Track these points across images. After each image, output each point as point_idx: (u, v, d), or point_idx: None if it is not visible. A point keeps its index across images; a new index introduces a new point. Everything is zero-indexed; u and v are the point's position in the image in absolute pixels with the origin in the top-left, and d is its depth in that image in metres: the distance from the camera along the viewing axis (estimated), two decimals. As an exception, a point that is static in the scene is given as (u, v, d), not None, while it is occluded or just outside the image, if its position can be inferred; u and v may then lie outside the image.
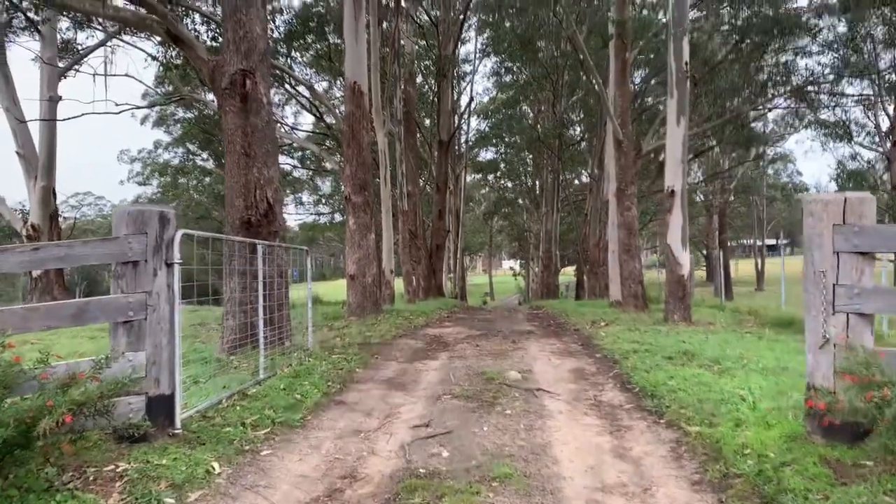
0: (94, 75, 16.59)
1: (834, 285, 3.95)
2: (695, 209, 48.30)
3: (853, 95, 25.17)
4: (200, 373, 6.35)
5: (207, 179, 45.41)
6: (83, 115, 16.90)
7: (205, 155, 48.00)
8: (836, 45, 21.20)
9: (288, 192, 43.59)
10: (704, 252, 65.04)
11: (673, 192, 10.22)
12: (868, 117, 31.44)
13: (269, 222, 7.50)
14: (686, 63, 10.19)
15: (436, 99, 27.89)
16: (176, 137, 45.63)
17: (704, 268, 65.04)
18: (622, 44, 12.91)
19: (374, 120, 16.59)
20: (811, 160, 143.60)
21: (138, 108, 16.73)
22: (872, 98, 29.49)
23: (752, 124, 27.19)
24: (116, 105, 16.82)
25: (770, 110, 22.84)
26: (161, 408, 4.24)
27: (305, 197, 44.62)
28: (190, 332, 11.64)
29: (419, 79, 34.01)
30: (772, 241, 75.53)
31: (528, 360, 7.69)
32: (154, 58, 16.72)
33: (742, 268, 66.44)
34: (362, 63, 13.27)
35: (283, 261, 7.73)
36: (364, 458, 4.13)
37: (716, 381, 5.73)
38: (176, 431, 4.26)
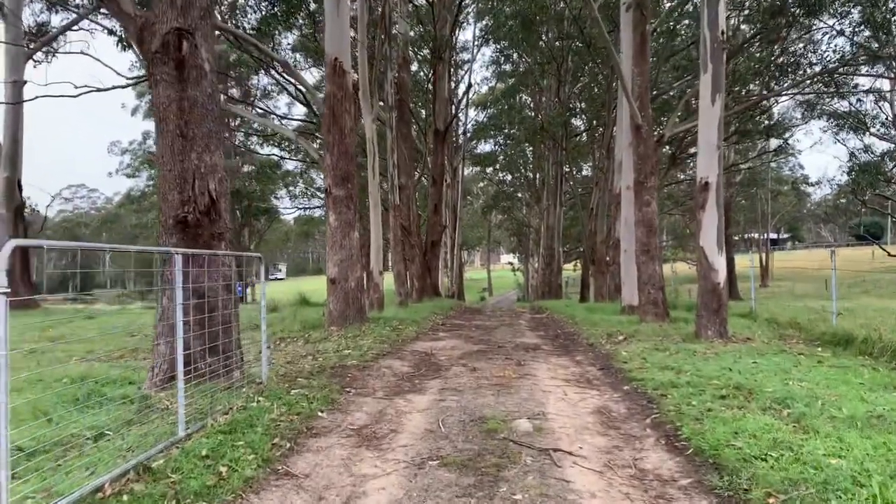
0: (47, 52, 14.90)
1: None
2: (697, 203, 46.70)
3: (872, 75, 23.51)
4: (113, 420, 4.82)
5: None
6: (36, 97, 15.25)
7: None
8: (860, 29, 19.68)
9: (280, 185, 42.17)
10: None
11: (707, 184, 8.65)
12: (880, 108, 29.95)
13: (211, 221, 5.93)
14: (723, 32, 8.62)
15: (431, 87, 26.26)
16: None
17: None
18: (641, 15, 11.30)
19: (362, 104, 15.00)
20: (817, 153, 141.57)
21: (99, 90, 15.13)
22: (890, 84, 28.09)
23: (765, 114, 25.74)
24: (76, 87, 15.23)
25: (794, 96, 21.27)
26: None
27: (300, 189, 43.08)
28: (135, 344, 10.06)
29: (414, 67, 32.42)
30: (773, 236, 74.24)
31: (538, 394, 6.14)
32: (112, 32, 15.07)
33: (739, 262, 65.09)
34: (344, 37, 11.69)
35: (231, 271, 6.16)
36: None
37: (798, 441, 4.20)
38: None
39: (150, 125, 73.96)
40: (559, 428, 5.00)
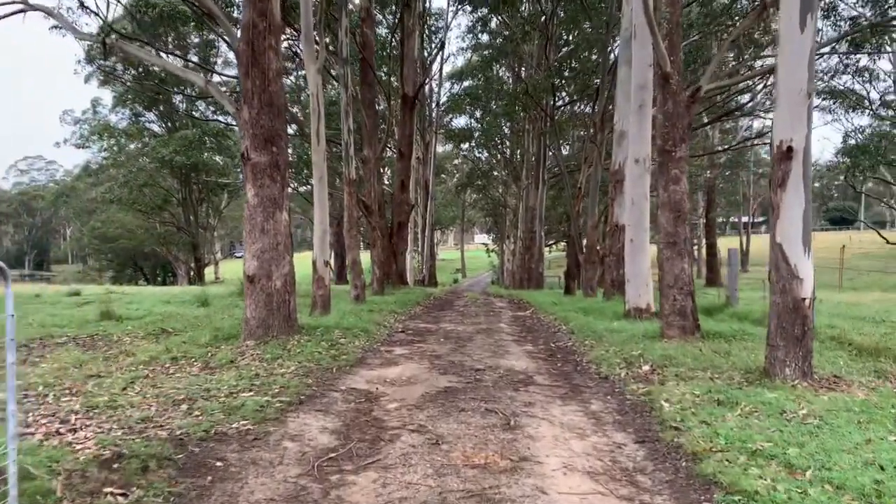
0: None
1: None
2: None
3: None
4: None
5: (153, 142, 40.42)
6: None
7: (151, 116, 43.32)
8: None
9: (226, 154, 38.96)
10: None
11: (790, 150, 5.78)
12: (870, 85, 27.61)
13: None
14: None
15: (398, 45, 23.04)
16: (117, 96, 40.72)
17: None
18: (673, -77, 8.45)
19: (304, 50, 11.90)
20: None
21: None
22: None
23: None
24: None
25: (828, 55, 18.75)
26: None
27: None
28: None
29: (384, 31, 29.30)
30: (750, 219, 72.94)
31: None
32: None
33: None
34: (266, -57, 8.58)
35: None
36: None
37: None
38: None
39: (100, 92, 69.22)
40: None
